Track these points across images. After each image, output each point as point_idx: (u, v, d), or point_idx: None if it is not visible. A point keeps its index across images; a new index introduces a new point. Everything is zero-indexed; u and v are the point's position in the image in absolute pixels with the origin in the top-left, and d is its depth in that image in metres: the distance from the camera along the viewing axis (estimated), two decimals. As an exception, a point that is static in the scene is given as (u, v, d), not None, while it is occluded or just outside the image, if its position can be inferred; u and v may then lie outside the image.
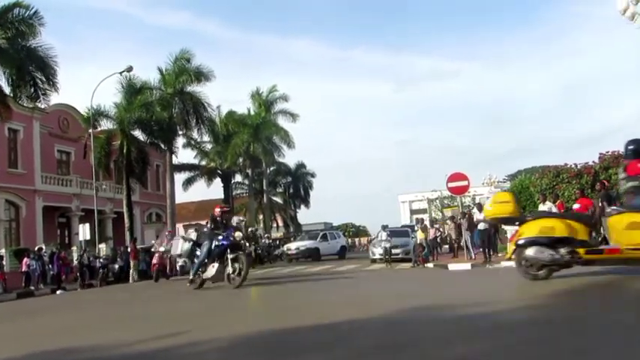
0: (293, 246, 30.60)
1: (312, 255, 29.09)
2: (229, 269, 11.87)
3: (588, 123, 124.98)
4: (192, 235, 13.90)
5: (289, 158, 51.06)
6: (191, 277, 12.58)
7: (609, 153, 19.26)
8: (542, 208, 17.00)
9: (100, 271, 22.77)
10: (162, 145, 32.69)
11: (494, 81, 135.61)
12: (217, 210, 13.03)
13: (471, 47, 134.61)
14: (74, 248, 27.60)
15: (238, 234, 12.62)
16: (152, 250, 22.58)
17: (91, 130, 28.05)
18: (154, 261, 21.04)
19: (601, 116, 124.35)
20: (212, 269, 12.09)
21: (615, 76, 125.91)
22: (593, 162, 19.51)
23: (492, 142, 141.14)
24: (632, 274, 8.49)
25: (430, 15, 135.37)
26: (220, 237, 12.23)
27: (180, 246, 13.95)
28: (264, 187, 46.58)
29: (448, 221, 26.88)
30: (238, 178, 47.49)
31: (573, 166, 19.78)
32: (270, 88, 43.85)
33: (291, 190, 56.32)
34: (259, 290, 11.84)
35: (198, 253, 12.70)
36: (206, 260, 12.20)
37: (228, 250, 12.04)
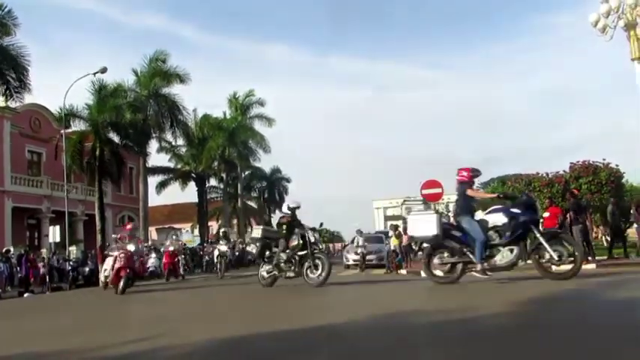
0: None
1: None
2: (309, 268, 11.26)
3: (561, 133, 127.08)
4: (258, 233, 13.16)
5: (265, 163, 50.97)
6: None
7: (580, 163, 19.62)
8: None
9: (70, 274, 22.38)
10: (136, 148, 32.33)
11: (470, 90, 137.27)
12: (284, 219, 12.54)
13: (447, 56, 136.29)
14: (44, 250, 27.09)
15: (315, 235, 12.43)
16: (162, 250, 22.38)
17: (63, 131, 27.64)
18: (165, 260, 20.59)
19: (574, 126, 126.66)
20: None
21: (589, 88, 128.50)
22: (564, 171, 19.86)
23: (467, 150, 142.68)
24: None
25: (407, 23, 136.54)
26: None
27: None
28: (239, 192, 46.40)
29: None
30: (213, 182, 47.23)
31: (545, 175, 20.09)
32: (246, 93, 43.93)
33: (267, 195, 56.16)
34: (230, 295, 11.75)
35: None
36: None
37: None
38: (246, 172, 49.65)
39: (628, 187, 21.08)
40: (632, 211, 16.60)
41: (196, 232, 44.15)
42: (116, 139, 31.19)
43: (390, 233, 22.38)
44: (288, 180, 56.95)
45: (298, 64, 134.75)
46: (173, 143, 39.92)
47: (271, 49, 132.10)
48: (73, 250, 27.31)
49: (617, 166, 19.72)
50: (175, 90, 33.34)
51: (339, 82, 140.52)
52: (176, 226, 43.48)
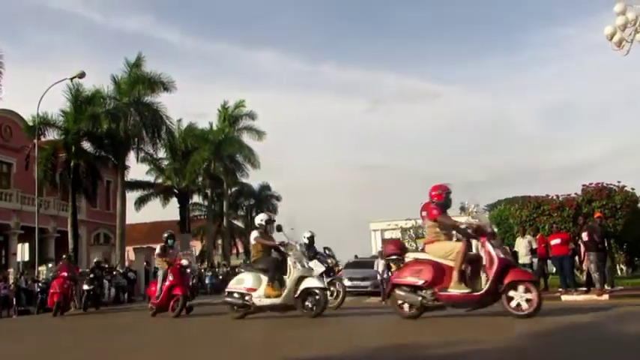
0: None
1: None
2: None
3: (572, 153, 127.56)
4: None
5: (253, 179, 50.90)
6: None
7: (593, 185, 19.71)
8: (520, 241, 17.28)
9: (39, 296, 22.19)
10: (114, 160, 32.30)
11: (474, 104, 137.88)
12: None
13: (449, 68, 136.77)
14: (11, 270, 26.88)
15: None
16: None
17: (35, 141, 27.60)
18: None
19: (586, 146, 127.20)
20: None
21: (602, 105, 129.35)
22: (576, 194, 19.92)
23: (471, 169, 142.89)
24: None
25: (406, 33, 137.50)
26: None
27: None
28: (225, 210, 46.28)
29: None
30: (196, 198, 47.08)
31: (555, 197, 20.16)
32: (237, 103, 43.87)
33: (254, 214, 55.99)
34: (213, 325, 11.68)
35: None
36: None
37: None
38: (233, 189, 49.53)
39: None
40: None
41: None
42: (92, 150, 31.17)
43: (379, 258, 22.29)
44: (278, 198, 56.88)
45: (289, 73, 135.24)
46: (154, 156, 39.91)
47: (261, 56, 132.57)
48: (43, 271, 27.10)
49: (632, 189, 19.84)
50: (159, 98, 33.37)
51: (334, 92, 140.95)
52: (155, 245, 43.32)
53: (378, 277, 20.08)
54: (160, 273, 13.57)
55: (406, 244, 24.49)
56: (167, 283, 12.72)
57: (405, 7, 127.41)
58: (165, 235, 14.41)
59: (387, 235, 79.63)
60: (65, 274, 17.41)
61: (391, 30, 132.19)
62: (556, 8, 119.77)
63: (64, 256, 19.70)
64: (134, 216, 43.23)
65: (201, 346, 7.93)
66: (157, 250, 14.13)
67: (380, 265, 19.29)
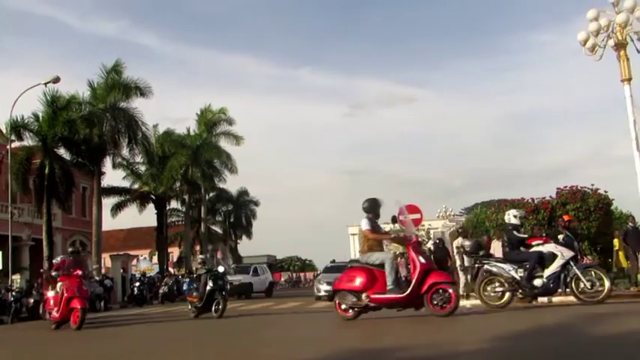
0: None
1: (245, 291, 29.01)
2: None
3: (548, 156, 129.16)
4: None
5: (231, 184, 50.84)
6: None
7: (567, 188, 19.96)
8: (496, 243, 17.43)
9: (12, 305, 21.86)
10: (90, 166, 32.01)
11: (451, 109, 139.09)
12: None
13: (426, 73, 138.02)
14: (-17, 279, 26.47)
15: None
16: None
17: (9, 146, 27.26)
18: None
19: (561, 150, 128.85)
20: None
21: (576, 109, 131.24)
22: (551, 197, 20.15)
23: (449, 173, 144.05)
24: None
25: (383, 38, 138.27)
26: None
27: None
28: (203, 215, 46.06)
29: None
30: (174, 204, 46.85)
31: (530, 200, 20.37)
32: (218, 109, 43.65)
33: (232, 219, 55.90)
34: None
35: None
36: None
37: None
38: (211, 194, 49.39)
39: (617, 214, 21.46)
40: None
41: (155, 259, 43.67)
42: (68, 156, 30.85)
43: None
44: (256, 203, 56.87)
45: (267, 77, 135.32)
46: (131, 161, 39.63)
47: (239, 61, 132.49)
48: (17, 279, 26.71)
49: (605, 192, 20.12)
50: (135, 103, 33.19)
51: (312, 97, 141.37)
52: (132, 252, 42.91)
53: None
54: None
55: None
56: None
57: (382, 13, 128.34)
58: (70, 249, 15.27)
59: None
60: (79, 272, 13.63)
61: (368, 35, 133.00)
62: (531, 14, 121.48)
63: (70, 249, 15.49)
64: (110, 222, 42.96)
65: None
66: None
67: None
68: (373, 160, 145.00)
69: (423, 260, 9.58)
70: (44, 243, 29.04)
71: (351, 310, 10.24)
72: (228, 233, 56.11)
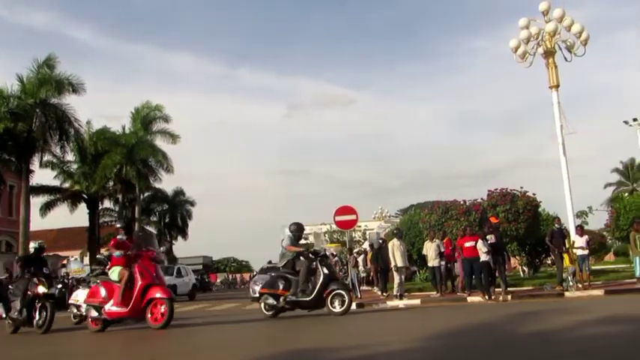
0: None
1: None
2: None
3: (481, 159, 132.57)
4: None
5: (167, 184, 49.95)
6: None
7: (497, 190, 20.53)
8: (429, 244, 17.77)
9: None
10: (18, 163, 30.86)
11: (388, 111, 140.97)
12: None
13: (364, 76, 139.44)
14: None
15: None
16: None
17: None
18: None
19: (494, 153, 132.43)
20: None
21: (508, 113, 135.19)
22: (482, 199, 20.67)
23: (386, 175, 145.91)
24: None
25: (320, 39, 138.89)
26: None
27: None
28: (137, 215, 45.07)
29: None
30: (107, 203, 45.66)
31: (462, 202, 20.85)
32: (151, 106, 42.74)
33: (168, 220, 54.98)
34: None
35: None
36: None
37: None
38: (146, 194, 48.40)
39: (544, 215, 22.21)
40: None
41: (86, 260, 42.44)
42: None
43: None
44: (192, 203, 56.12)
45: (206, 76, 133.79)
46: (62, 159, 38.33)
47: (176, 58, 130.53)
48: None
49: (534, 194, 20.80)
50: (67, 99, 32.14)
51: (251, 97, 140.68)
52: (63, 253, 41.59)
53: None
54: None
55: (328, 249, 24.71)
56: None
57: (320, 14, 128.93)
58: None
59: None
60: (153, 253, 10.82)
61: (306, 36, 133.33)
62: (466, 20, 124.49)
63: (118, 225, 12.09)
64: (39, 222, 41.46)
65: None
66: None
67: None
68: (311, 161, 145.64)
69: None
70: (-32, 243, 27.83)
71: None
72: (163, 233, 55.13)
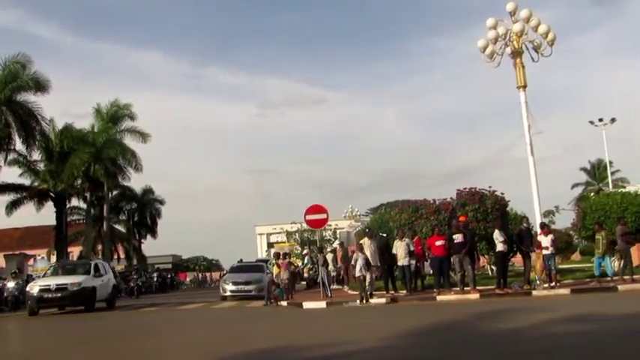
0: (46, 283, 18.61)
1: (83, 300, 18.53)
2: None
3: (450, 158, 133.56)
4: None
5: (136, 182, 49.29)
6: None
7: (466, 190, 20.67)
8: (399, 243, 17.81)
9: None
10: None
11: (359, 110, 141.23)
12: None
13: (334, 75, 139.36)
14: None
15: None
16: None
17: None
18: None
19: (462, 152, 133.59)
20: None
21: (476, 113, 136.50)
22: (451, 198, 20.79)
23: (356, 174, 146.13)
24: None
25: (289, 38, 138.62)
26: None
27: None
28: (105, 214, 44.51)
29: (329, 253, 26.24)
30: (75, 202, 44.88)
31: (432, 202, 20.94)
32: (119, 104, 42.17)
33: (136, 218, 54.36)
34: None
35: None
36: None
37: None
38: (114, 192, 47.79)
39: (512, 215, 22.45)
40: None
41: (53, 259, 41.75)
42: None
43: (272, 261, 22.19)
44: (161, 202, 55.44)
45: (175, 75, 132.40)
46: (28, 158, 37.57)
47: (144, 56, 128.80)
48: None
49: (502, 194, 20.97)
50: (33, 97, 31.54)
51: (221, 96, 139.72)
52: (29, 252, 40.90)
53: (265, 281, 19.78)
54: None
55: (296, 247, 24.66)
56: None
57: (289, 13, 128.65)
58: None
59: (273, 239, 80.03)
60: None
61: (276, 35, 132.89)
62: (434, 19, 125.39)
63: None
64: (5, 221, 40.67)
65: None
66: None
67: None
68: (281, 160, 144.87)
69: None
70: None
71: None
72: (132, 232, 54.45)
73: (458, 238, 16.13)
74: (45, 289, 17.90)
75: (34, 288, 18.17)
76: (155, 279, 37.79)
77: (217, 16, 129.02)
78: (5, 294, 22.43)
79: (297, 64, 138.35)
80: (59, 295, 17.83)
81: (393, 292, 17.47)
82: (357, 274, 16.01)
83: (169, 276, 47.56)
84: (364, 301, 15.40)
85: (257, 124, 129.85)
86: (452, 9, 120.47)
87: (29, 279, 25.96)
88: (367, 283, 16.48)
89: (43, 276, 20.48)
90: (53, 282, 18.32)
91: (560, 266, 21.88)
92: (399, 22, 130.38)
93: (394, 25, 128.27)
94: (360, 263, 15.99)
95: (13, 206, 39.71)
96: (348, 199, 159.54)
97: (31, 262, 38.06)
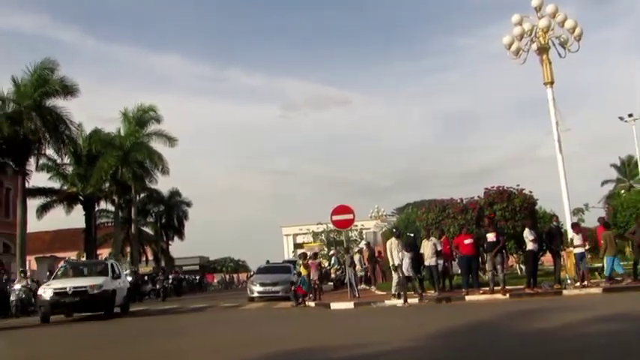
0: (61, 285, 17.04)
1: (102, 305, 17.38)
2: None
3: (476, 157, 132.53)
4: None
5: (163, 185, 49.85)
6: None
7: (494, 188, 20.49)
8: (426, 243, 17.69)
9: None
10: (14, 166, 30.76)
11: (383, 111, 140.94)
12: None
13: (357, 76, 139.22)
14: None
15: None
16: None
17: None
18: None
19: (489, 151, 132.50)
20: None
21: (502, 111, 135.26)
22: (479, 197, 20.63)
23: (381, 174, 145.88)
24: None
25: (310, 40, 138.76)
26: None
27: None
28: (133, 216, 45.03)
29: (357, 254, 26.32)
30: (103, 205, 45.54)
31: (459, 200, 20.81)
32: (144, 107, 42.57)
33: (164, 220, 54.94)
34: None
35: None
36: None
37: None
38: (142, 195, 48.34)
39: (541, 213, 22.20)
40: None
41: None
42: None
43: (299, 262, 22.29)
44: (188, 204, 56.05)
45: (196, 77, 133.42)
46: (58, 161, 38.20)
47: (165, 60, 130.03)
48: None
49: (530, 192, 20.77)
50: (62, 102, 32.02)
51: (243, 98, 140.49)
52: (59, 255, 41.55)
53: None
54: None
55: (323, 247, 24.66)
56: None
57: (310, 15, 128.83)
58: None
59: (299, 240, 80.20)
60: None
61: (298, 36, 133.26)
62: (455, 18, 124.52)
63: None
64: (36, 224, 41.38)
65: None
66: None
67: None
68: (306, 162, 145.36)
69: None
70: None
71: None
72: (160, 234, 55.09)
73: (491, 237, 15.97)
74: (60, 293, 16.09)
75: (47, 291, 16.25)
76: (171, 281, 35.86)
77: (237, 17, 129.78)
78: (12, 297, 20.72)
79: (318, 66, 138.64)
80: (77, 299, 16.00)
81: (421, 292, 17.25)
82: (406, 273, 15.83)
83: (199, 279, 47.94)
84: (407, 302, 15.07)
85: (281, 126, 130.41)
86: (474, 7, 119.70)
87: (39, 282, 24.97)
88: (395, 283, 16.36)
89: (54, 278, 18.44)
90: (69, 284, 16.49)
91: (592, 265, 21.50)
92: (423, 21, 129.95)
93: (418, 24, 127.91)
94: (406, 262, 15.86)
95: (43, 210, 40.42)
96: (374, 199, 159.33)
97: (61, 264, 38.63)
